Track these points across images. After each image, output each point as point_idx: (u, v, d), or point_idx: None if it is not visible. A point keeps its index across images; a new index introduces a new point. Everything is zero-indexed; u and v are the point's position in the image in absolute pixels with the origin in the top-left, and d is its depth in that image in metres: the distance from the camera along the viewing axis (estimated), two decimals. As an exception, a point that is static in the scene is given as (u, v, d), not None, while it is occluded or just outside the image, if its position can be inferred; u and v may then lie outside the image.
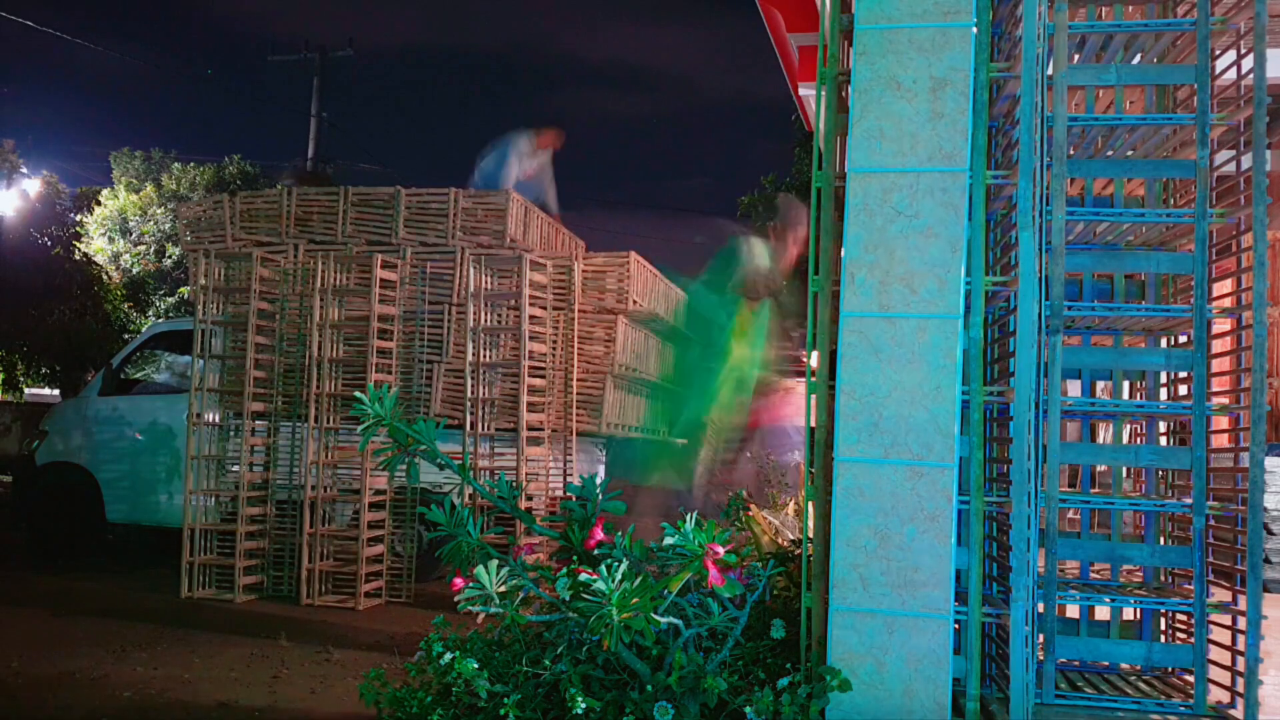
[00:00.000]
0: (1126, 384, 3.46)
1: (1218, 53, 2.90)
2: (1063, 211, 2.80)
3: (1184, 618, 3.10)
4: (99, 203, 18.59)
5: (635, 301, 7.69)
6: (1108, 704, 2.83)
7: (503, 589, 2.44)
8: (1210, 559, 2.85)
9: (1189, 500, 2.83)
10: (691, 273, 9.14)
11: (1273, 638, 2.88)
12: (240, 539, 6.87)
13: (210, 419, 7.24)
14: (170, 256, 18.85)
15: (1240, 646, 2.75)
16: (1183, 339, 3.18)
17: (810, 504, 2.83)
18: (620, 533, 2.56)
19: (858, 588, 2.58)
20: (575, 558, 2.61)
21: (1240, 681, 2.74)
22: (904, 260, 2.63)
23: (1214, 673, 2.80)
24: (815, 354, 2.85)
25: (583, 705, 2.35)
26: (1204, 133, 2.80)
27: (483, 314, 7.05)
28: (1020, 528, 2.57)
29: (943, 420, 2.57)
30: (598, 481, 2.78)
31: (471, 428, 6.95)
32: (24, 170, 16.30)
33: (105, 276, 17.28)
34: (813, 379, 2.84)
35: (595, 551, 2.53)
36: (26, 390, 19.33)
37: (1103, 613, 3.22)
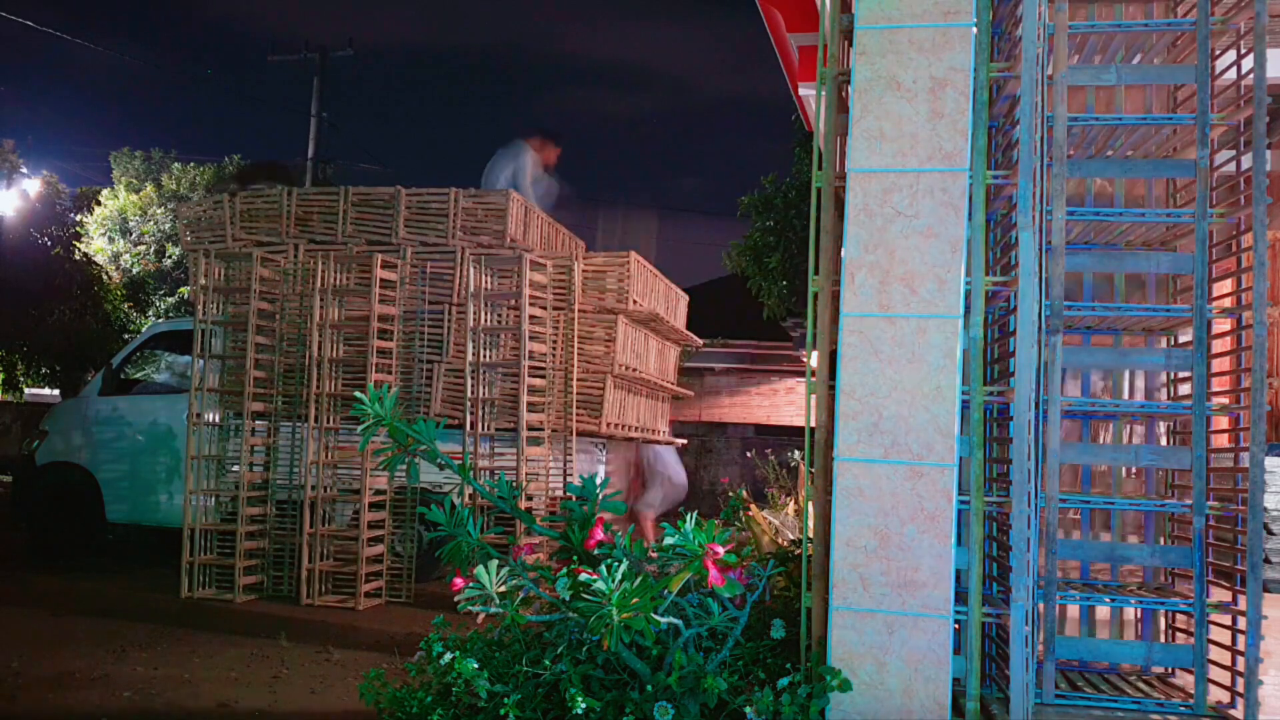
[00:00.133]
0: (1127, 384, 3.46)
1: (1218, 53, 2.90)
2: (1063, 211, 2.80)
3: (1184, 618, 3.10)
4: (99, 203, 18.60)
5: (635, 301, 7.69)
6: (1108, 704, 2.83)
7: (503, 589, 2.44)
8: (1210, 559, 2.85)
9: (1189, 500, 2.83)
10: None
11: (1273, 638, 2.88)
12: (240, 539, 6.87)
13: (210, 419, 7.24)
14: (170, 256, 18.86)
15: (1240, 646, 2.75)
16: (1183, 339, 3.18)
17: (810, 504, 2.83)
18: (620, 533, 2.55)
19: (858, 588, 2.58)
20: (575, 558, 2.60)
21: (1240, 681, 2.74)
22: (904, 260, 2.63)
23: (1214, 673, 2.80)
24: (815, 354, 2.85)
25: (583, 705, 2.35)
26: (1204, 133, 2.80)
27: (483, 314, 7.05)
28: (1020, 528, 2.57)
29: (943, 420, 2.57)
30: (598, 481, 2.78)
31: (471, 428, 6.95)
32: (24, 170, 16.30)
33: (105, 276, 17.29)
34: (813, 379, 2.84)
35: (595, 551, 2.53)
36: (26, 390, 19.34)
37: (1103, 613, 3.22)
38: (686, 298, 9.54)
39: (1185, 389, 3.12)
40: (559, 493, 7.16)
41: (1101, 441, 3.31)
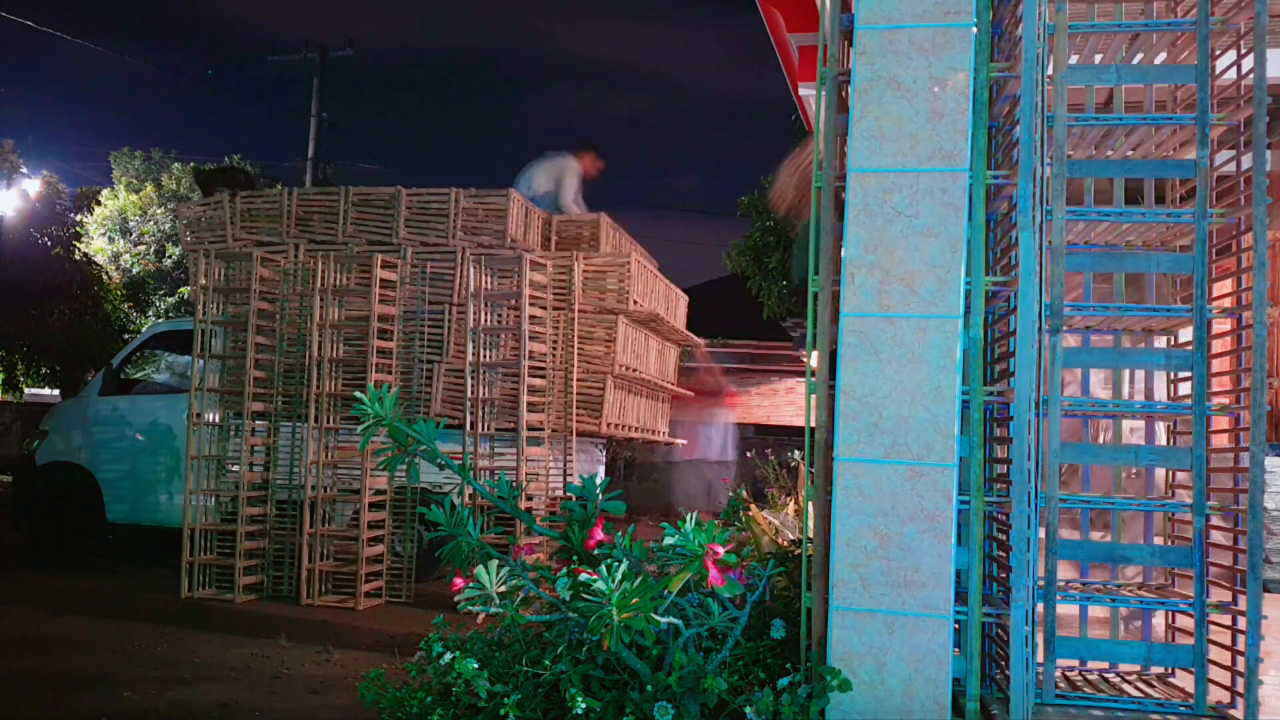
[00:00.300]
0: (1127, 384, 3.46)
1: (1218, 53, 2.90)
2: (1063, 211, 2.80)
3: (1184, 618, 3.10)
4: (99, 203, 18.60)
5: (636, 301, 7.69)
6: (1108, 704, 2.83)
7: (503, 589, 2.44)
8: (1210, 559, 2.85)
9: (1189, 500, 2.83)
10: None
11: (1273, 638, 2.88)
12: (240, 539, 6.87)
13: (210, 419, 7.24)
14: (170, 256, 18.86)
15: (1240, 646, 2.75)
16: (1183, 339, 3.18)
17: (810, 504, 2.83)
18: (620, 533, 2.55)
19: (858, 588, 2.58)
20: (575, 558, 2.60)
21: (1240, 681, 2.74)
22: (904, 260, 2.63)
23: (1214, 673, 2.80)
24: (815, 354, 2.85)
25: (583, 705, 2.35)
26: (1204, 133, 2.80)
27: (483, 314, 7.05)
28: (1020, 528, 2.57)
29: (943, 420, 2.57)
30: (598, 481, 2.78)
31: (471, 428, 6.95)
32: (24, 170, 16.30)
33: (105, 276, 17.29)
34: (813, 379, 2.84)
35: (595, 551, 2.53)
36: (26, 390, 19.34)
37: (1102, 613, 3.22)
38: (686, 298, 9.54)
39: (1185, 389, 3.12)
40: (559, 493, 7.17)
41: (1101, 441, 3.31)
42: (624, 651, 2.40)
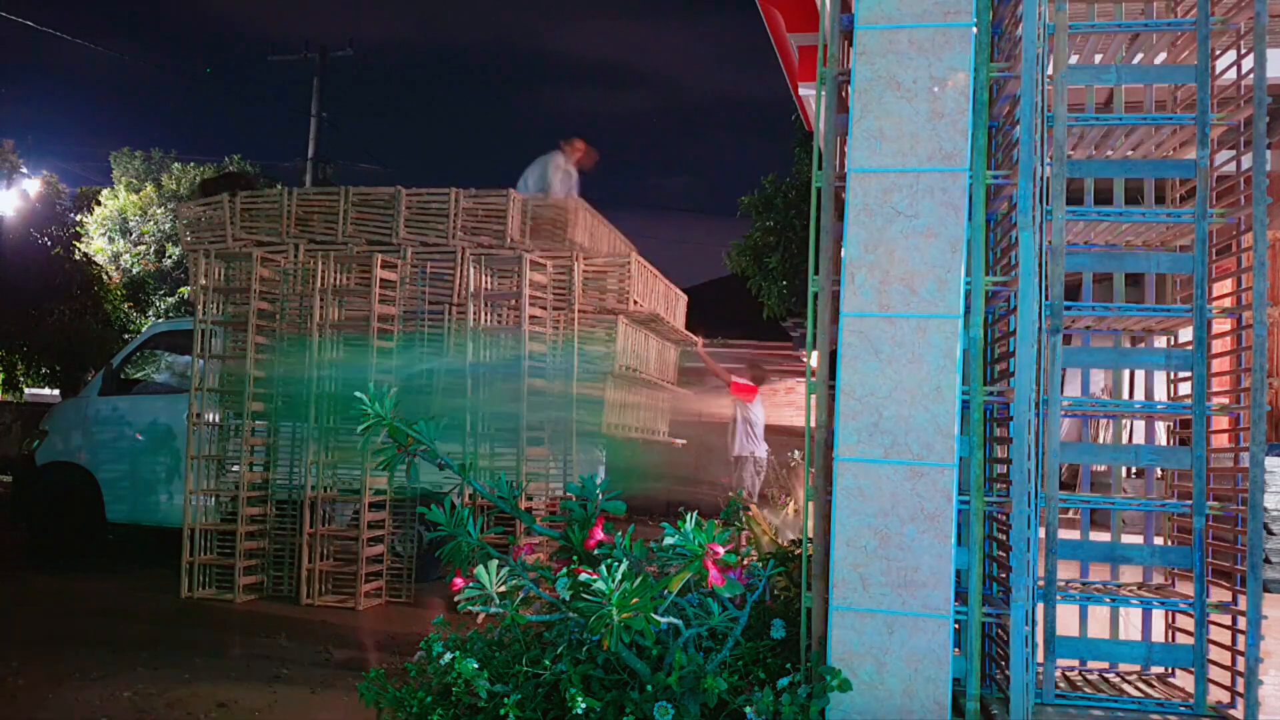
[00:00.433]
0: (1127, 384, 3.46)
1: (1218, 53, 2.90)
2: (1063, 211, 2.80)
3: (1184, 618, 3.10)
4: (99, 203, 18.59)
5: (636, 302, 7.69)
6: (1108, 704, 2.83)
7: (503, 589, 2.44)
8: (1210, 559, 2.85)
9: (1189, 500, 2.83)
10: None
11: (1273, 638, 2.88)
12: (240, 539, 6.87)
13: (210, 419, 7.24)
14: (170, 256, 18.85)
15: (1240, 646, 2.75)
16: (1183, 339, 3.18)
17: (810, 504, 2.83)
18: (620, 532, 2.55)
19: (858, 588, 2.58)
20: (575, 558, 2.60)
21: (1240, 681, 2.74)
22: (904, 260, 2.63)
23: (1214, 673, 2.80)
24: (815, 354, 2.85)
25: (583, 705, 2.35)
26: (1204, 133, 2.80)
27: (483, 314, 7.04)
28: (1020, 528, 2.57)
29: (943, 420, 2.57)
30: (598, 482, 2.78)
31: (471, 428, 6.94)
32: (24, 170, 16.30)
33: (105, 276, 17.28)
34: (813, 379, 2.84)
35: (595, 551, 2.53)
36: (26, 390, 19.33)
37: (1102, 613, 3.22)
38: (686, 298, 9.54)
39: (1185, 389, 3.12)
40: (559, 493, 7.17)
41: (1101, 441, 3.31)
42: (624, 651, 2.40)
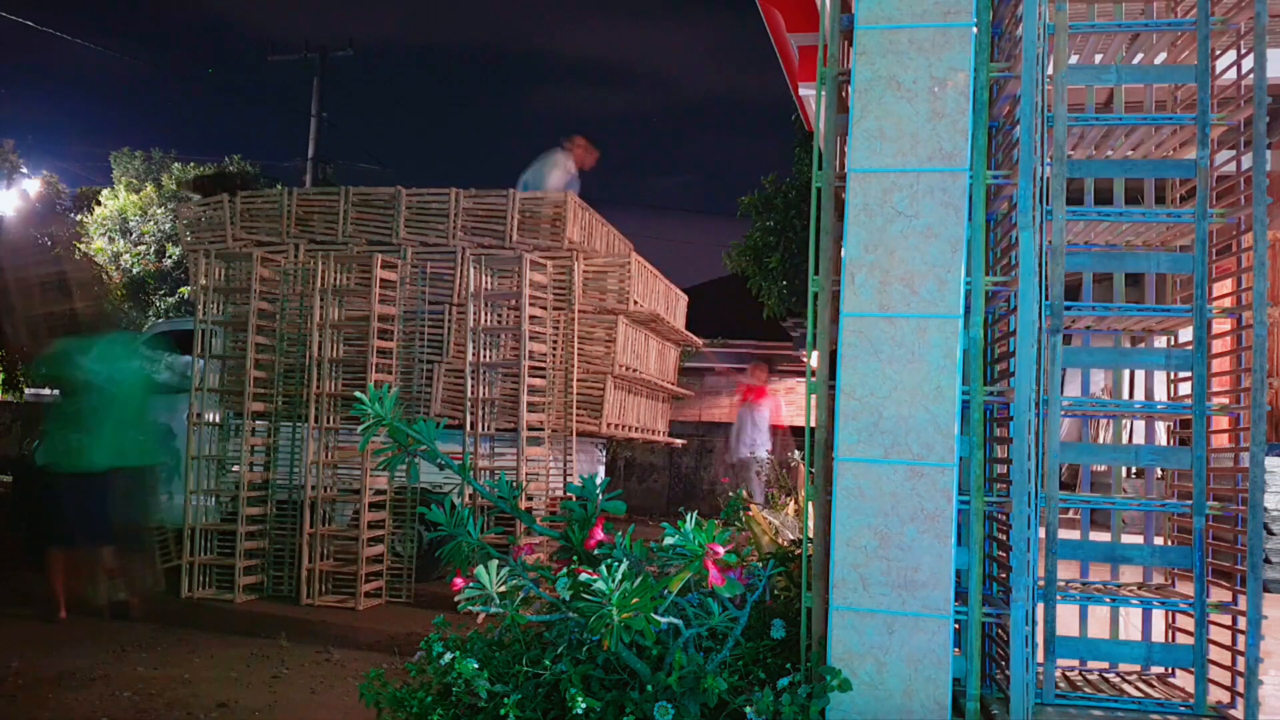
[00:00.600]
0: (1126, 384, 3.46)
1: (1218, 53, 2.90)
2: (1063, 211, 2.80)
3: (1184, 618, 3.10)
4: (99, 203, 18.60)
5: (636, 302, 7.69)
6: (1108, 704, 2.83)
7: (503, 589, 2.44)
8: (1210, 559, 2.85)
9: (1189, 500, 2.83)
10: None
11: (1273, 638, 2.88)
12: (240, 539, 6.87)
13: (210, 419, 7.24)
14: (170, 256, 18.86)
15: (1240, 646, 2.75)
16: (1183, 339, 3.18)
17: (810, 504, 2.83)
18: (620, 532, 2.55)
19: (858, 588, 2.58)
20: (575, 558, 2.60)
21: (1240, 681, 2.74)
22: (904, 260, 2.63)
23: (1214, 673, 2.80)
24: (815, 354, 2.85)
25: (583, 705, 2.35)
26: (1204, 133, 2.80)
27: (483, 314, 7.05)
28: (1020, 528, 2.57)
29: (943, 420, 2.57)
30: (598, 482, 2.78)
31: (471, 428, 6.95)
32: (24, 170, 16.31)
33: (105, 276, 17.28)
34: (813, 379, 2.84)
35: (595, 551, 2.53)
36: (27, 390, 19.33)
37: (1102, 613, 3.22)
38: (686, 298, 9.54)
39: (1185, 389, 3.12)
40: (559, 493, 7.17)
41: (1101, 441, 3.31)
42: (624, 651, 2.40)
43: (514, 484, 2.81)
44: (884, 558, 2.58)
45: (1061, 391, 2.83)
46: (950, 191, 2.62)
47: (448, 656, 2.52)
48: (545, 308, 7.26)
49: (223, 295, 7.36)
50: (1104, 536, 3.19)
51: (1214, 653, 2.80)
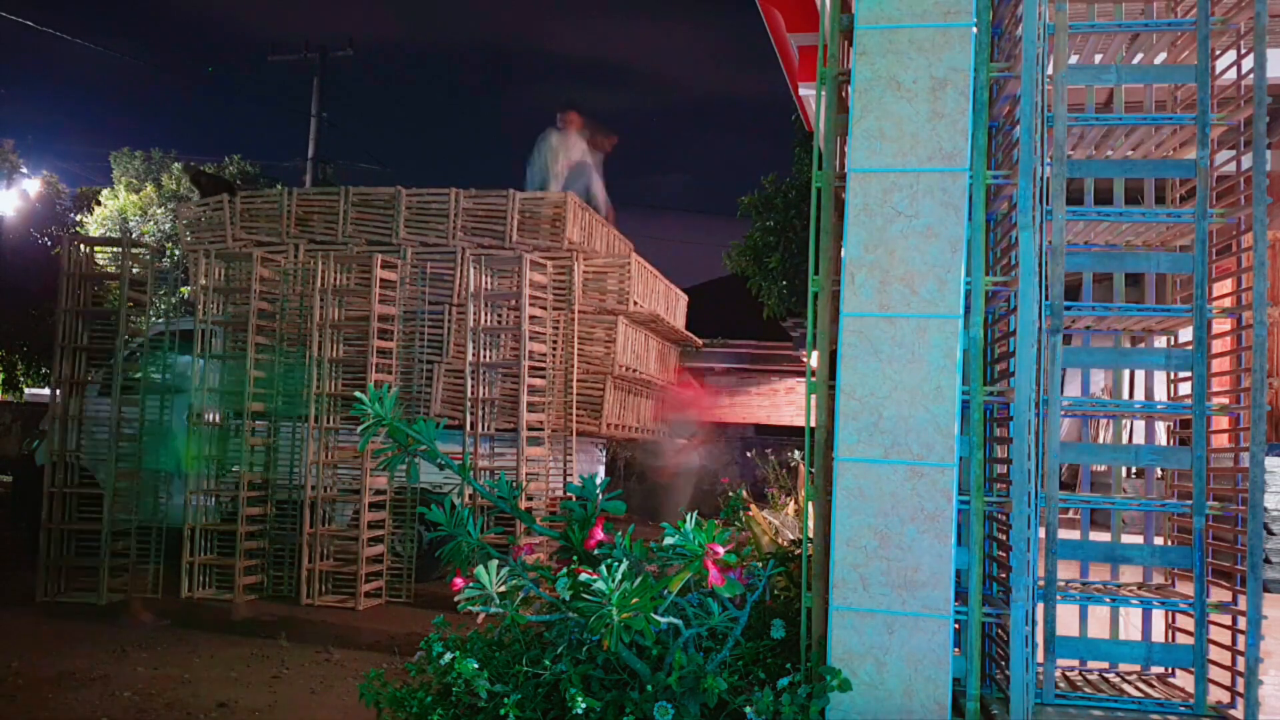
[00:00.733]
0: (1127, 384, 3.46)
1: (1218, 53, 2.90)
2: (1063, 211, 2.80)
3: (1184, 618, 3.10)
4: (99, 203, 18.60)
5: (636, 302, 7.69)
6: (1108, 704, 2.83)
7: (503, 589, 2.44)
8: (1210, 559, 2.84)
9: (1189, 500, 2.83)
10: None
11: (1273, 638, 2.87)
12: (240, 539, 6.87)
13: (210, 419, 7.24)
14: (170, 256, 18.86)
15: (1240, 646, 2.75)
16: (1183, 339, 3.18)
17: (810, 504, 2.83)
18: (620, 532, 2.55)
19: (858, 588, 2.58)
20: (575, 558, 2.60)
21: (1240, 681, 2.74)
22: (904, 260, 2.63)
23: (1214, 673, 2.80)
24: (815, 354, 2.85)
25: (583, 705, 2.35)
26: (1204, 133, 2.80)
27: (483, 314, 7.05)
28: (1020, 528, 2.57)
29: (943, 420, 2.57)
30: (598, 482, 2.78)
31: (471, 428, 6.94)
32: (24, 170, 16.31)
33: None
34: (813, 379, 2.84)
35: (595, 551, 2.53)
36: (26, 390, 19.34)
37: (1102, 613, 3.22)
38: (686, 298, 9.54)
39: (1185, 389, 3.12)
40: (559, 493, 7.17)
41: (1101, 441, 3.31)
42: (624, 651, 2.40)
43: (514, 484, 2.81)
44: (884, 558, 2.57)
45: (1061, 391, 2.83)
46: (950, 191, 2.62)
47: (448, 656, 2.52)
48: (545, 308, 7.26)
49: (222, 295, 7.36)
50: (1104, 536, 3.19)
51: (1214, 653, 2.80)
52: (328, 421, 6.99)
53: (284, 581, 7.12)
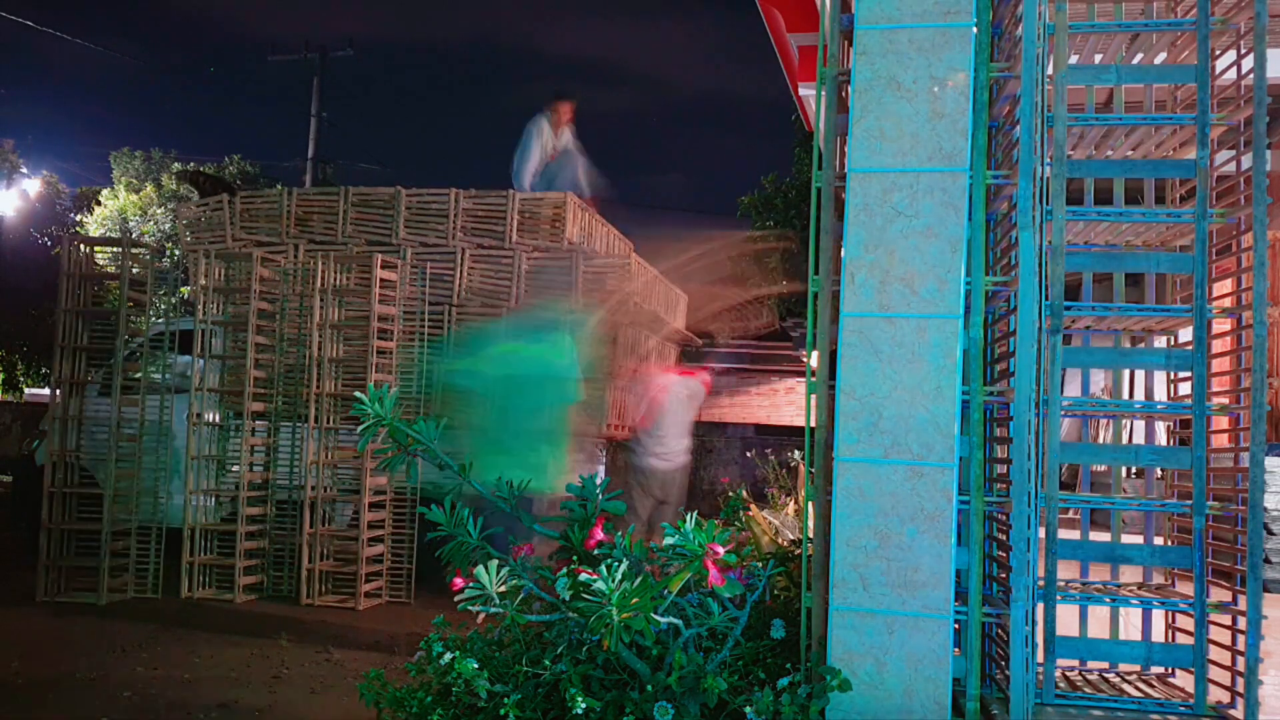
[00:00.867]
0: (1127, 384, 3.46)
1: (1218, 53, 2.90)
2: (1063, 211, 2.80)
3: (1184, 618, 3.10)
4: (99, 203, 18.61)
5: (636, 303, 7.68)
6: (1108, 704, 2.83)
7: (503, 589, 2.44)
8: (1210, 559, 2.85)
9: (1189, 500, 2.83)
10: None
11: (1273, 638, 2.87)
12: (240, 539, 6.86)
13: (210, 419, 7.24)
14: (170, 256, 18.87)
15: (1240, 646, 2.75)
16: (1183, 339, 3.18)
17: (810, 504, 2.83)
18: (620, 532, 2.55)
19: (858, 588, 2.58)
20: (575, 558, 2.60)
21: (1240, 681, 2.74)
22: (904, 260, 2.63)
23: (1214, 673, 2.80)
24: (815, 354, 2.85)
25: (583, 705, 2.35)
26: (1204, 133, 2.80)
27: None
28: (1020, 528, 2.57)
29: (943, 420, 2.57)
30: (597, 482, 2.78)
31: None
32: (24, 170, 16.32)
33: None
34: (813, 379, 2.84)
35: (595, 551, 2.53)
36: (26, 390, 19.34)
37: (1102, 613, 3.22)
38: (686, 298, 9.54)
39: (1185, 389, 3.12)
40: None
41: (1101, 441, 3.31)
42: (624, 651, 2.40)
43: (513, 484, 2.81)
44: (884, 558, 2.57)
45: (1061, 391, 2.83)
46: (950, 191, 2.62)
47: (448, 656, 2.52)
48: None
49: (222, 295, 7.36)
50: (1104, 536, 3.19)
51: (1214, 653, 2.80)
52: (328, 421, 6.99)
53: (284, 581, 7.12)
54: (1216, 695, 2.80)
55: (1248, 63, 2.83)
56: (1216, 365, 2.98)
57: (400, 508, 7.15)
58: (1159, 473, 3.36)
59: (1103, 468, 4.64)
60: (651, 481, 6.87)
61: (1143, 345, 3.41)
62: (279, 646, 5.54)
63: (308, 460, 6.92)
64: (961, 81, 2.65)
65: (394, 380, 7.18)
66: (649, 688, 2.44)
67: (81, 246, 7.20)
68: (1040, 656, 2.80)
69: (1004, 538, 2.91)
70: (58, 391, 7.07)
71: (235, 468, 7.20)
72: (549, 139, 8.18)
